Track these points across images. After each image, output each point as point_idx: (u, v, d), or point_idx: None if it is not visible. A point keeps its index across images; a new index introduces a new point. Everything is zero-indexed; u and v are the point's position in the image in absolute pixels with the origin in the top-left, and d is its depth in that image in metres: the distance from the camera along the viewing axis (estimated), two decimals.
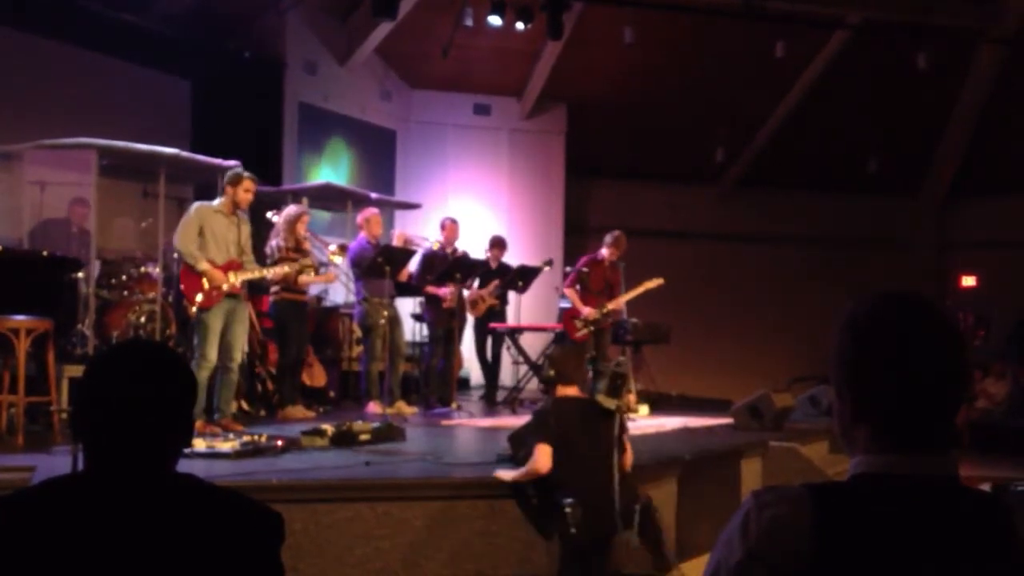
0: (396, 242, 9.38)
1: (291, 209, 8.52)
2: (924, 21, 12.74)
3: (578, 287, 9.70)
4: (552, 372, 5.20)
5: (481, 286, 10.20)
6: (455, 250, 9.79)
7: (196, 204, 7.24)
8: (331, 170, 12.49)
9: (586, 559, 4.82)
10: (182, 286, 7.10)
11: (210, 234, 7.10)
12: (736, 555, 1.42)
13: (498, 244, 10.58)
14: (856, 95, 14.09)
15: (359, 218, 9.28)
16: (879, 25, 13.01)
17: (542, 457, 4.91)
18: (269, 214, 8.87)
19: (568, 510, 4.69)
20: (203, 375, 6.91)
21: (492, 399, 10.58)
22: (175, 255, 9.07)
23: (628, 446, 5.17)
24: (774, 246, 15.93)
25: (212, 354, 6.98)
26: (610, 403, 5.02)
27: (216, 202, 7.26)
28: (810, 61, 13.79)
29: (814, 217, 15.95)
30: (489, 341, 10.56)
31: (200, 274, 7.00)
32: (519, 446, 5.45)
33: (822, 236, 15.98)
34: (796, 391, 10.48)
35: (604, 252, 9.70)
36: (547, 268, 10.48)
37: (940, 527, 1.39)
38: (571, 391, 5.15)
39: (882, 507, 1.40)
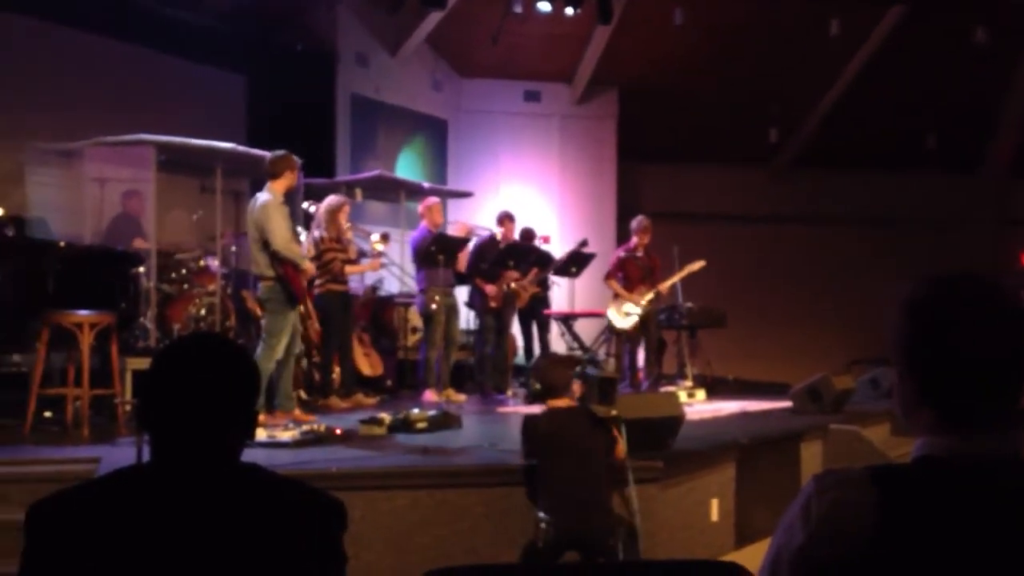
0: (458, 232, 9.40)
1: (332, 200, 8.38)
2: None
3: (620, 275, 9.71)
4: (538, 386, 5.03)
5: (522, 275, 10.00)
6: (497, 237, 9.78)
7: (270, 201, 6.90)
8: (407, 164, 12.63)
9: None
10: (292, 285, 6.92)
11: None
12: (797, 539, 1.41)
13: (527, 236, 10.43)
14: (913, 71, 13.82)
15: (421, 207, 9.31)
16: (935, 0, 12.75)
17: None
18: (305, 204, 8.89)
19: (543, 526, 4.54)
20: (271, 366, 6.84)
21: None
22: (232, 249, 9.23)
23: (620, 444, 5.03)
24: (830, 227, 15.72)
25: (283, 348, 6.93)
26: (605, 411, 4.96)
27: (276, 192, 6.99)
28: (865, 38, 13.56)
29: (871, 196, 15.69)
30: (535, 329, 10.51)
31: (303, 271, 7.02)
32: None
33: (879, 216, 15.73)
34: (856, 373, 10.35)
35: (635, 239, 9.72)
36: (585, 248, 10.34)
37: (1004, 507, 1.38)
38: (562, 402, 4.97)
39: (946, 489, 1.39)
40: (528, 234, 10.49)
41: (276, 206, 6.91)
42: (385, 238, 8.72)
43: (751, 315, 13.82)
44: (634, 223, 9.83)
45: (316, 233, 8.27)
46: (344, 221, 8.33)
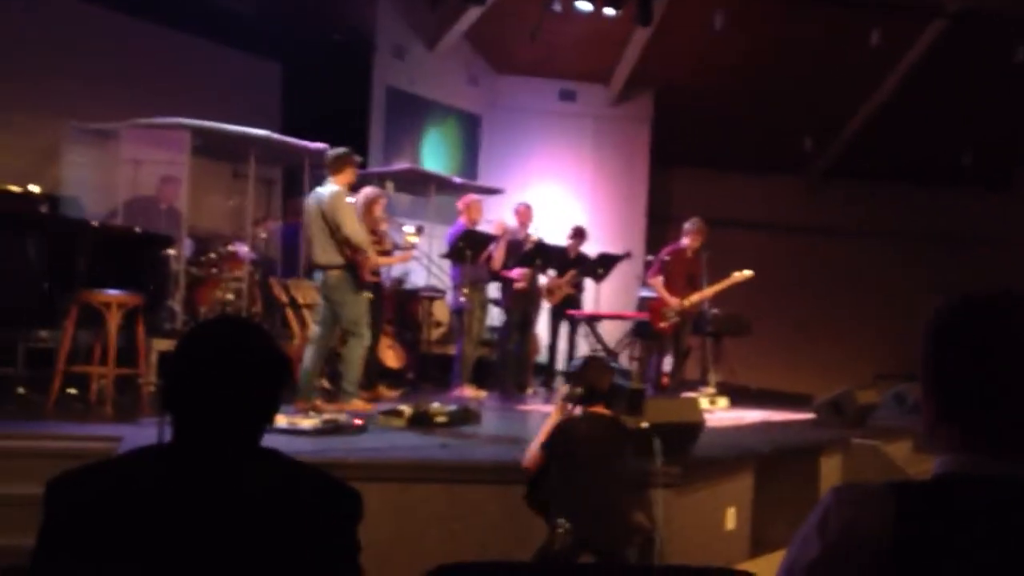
0: (495, 231, 9.42)
1: (368, 192, 8.47)
2: (1020, 12, 12.30)
3: (663, 274, 9.54)
4: (580, 391, 4.81)
5: (559, 274, 10.19)
6: (528, 235, 9.75)
7: (338, 191, 7.27)
8: (432, 157, 12.66)
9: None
10: (361, 271, 7.30)
11: None
12: (813, 552, 1.40)
13: (579, 234, 10.54)
14: (952, 86, 13.68)
15: (460, 204, 9.37)
16: (977, 15, 12.61)
17: (530, 456, 4.83)
18: (348, 198, 8.95)
19: (560, 531, 4.44)
20: (361, 353, 7.28)
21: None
22: (263, 235, 9.30)
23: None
24: (862, 239, 15.59)
25: (370, 334, 7.40)
26: (634, 423, 4.89)
27: (343, 186, 7.35)
28: (905, 51, 13.43)
29: (905, 210, 15.55)
30: (564, 329, 10.55)
31: (366, 258, 7.36)
32: None
33: (913, 230, 15.57)
34: (881, 388, 10.26)
35: (686, 241, 9.52)
36: (627, 257, 10.45)
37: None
38: (599, 409, 4.85)
39: (966, 507, 1.37)
40: (580, 232, 10.50)
41: (344, 195, 7.28)
42: (420, 231, 8.76)
43: (778, 324, 13.75)
44: (688, 224, 9.56)
45: None
46: (380, 213, 8.38)
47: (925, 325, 1.49)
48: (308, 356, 7.26)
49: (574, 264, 10.29)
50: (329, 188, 7.29)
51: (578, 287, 10.53)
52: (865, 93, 14.32)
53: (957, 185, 15.32)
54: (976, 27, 12.68)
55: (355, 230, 7.20)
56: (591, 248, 10.71)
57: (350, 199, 8.14)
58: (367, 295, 7.34)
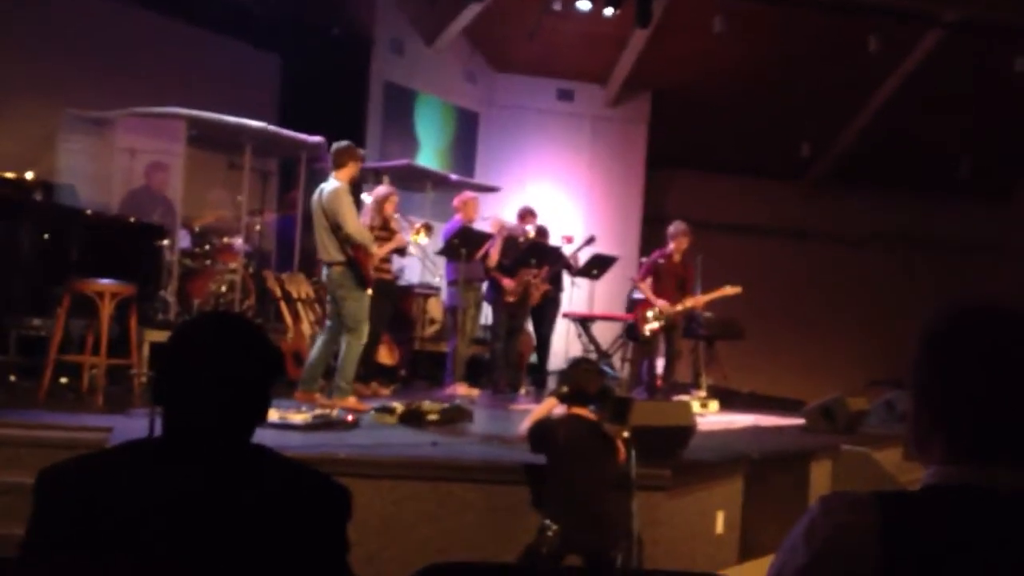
0: (492, 229, 9.40)
1: (380, 189, 8.55)
2: (1020, 22, 12.32)
3: (651, 279, 9.59)
4: (566, 389, 4.87)
5: (540, 267, 9.83)
6: (525, 233, 9.72)
7: (339, 187, 7.14)
8: (428, 152, 12.64)
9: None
10: (363, 269, 7.18)
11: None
12: (800, 560, 1.40)
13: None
14: (950, 94, 13.71)
15: (456, 201, 9.37)
16: (975, 24, 12.62)
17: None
18: (364, 195, 8.94)
19: (549, 533, 4.49)
20: (359, 351, 7.16)
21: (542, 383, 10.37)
22: (257, 228, 9.28)
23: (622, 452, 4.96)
24: (857, 245, 15.63)
25: (367, 331, 7.24)
26: (617, 431, 4.90)
27: (342, 180, 7.23)
28: (903, 57, 13.45)
29: (901, 217, 15.59)
30: (544, 328, 10.41)
31: (371, 255, 7.33)
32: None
33: (909, 237, 15.62)
34: (873, 394, 10.29)
35: (671, 245, 9.56)
36: (591, 244, 10.24)
37: (1015, 542, 1.36)
38: (583, 411, 4.87)
39: (954, 519, 1.37)
40: (542, 231, 10.31)
41: (345, 192, 7.18)
42: (428, 229, 8.68)
43: (772, 328, 13.78)
44: (671, 228, 9.61)
45: (363, 220, 8.32)
46: (391, 211, 8.37)
47: (918, 334, 1.49)
48: (316, 348, 7.27)
49: (543, 258, 10.05)
50: (330, 184, 7.21)
51: (555, 284, 10.28)
52: (862, 99, 14.34)
53: (955, 194, 15.34)
54: (974, 36, 12.69)
55: (357, 228, 7.15)
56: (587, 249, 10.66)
57: (367, 197, 8.15)
58: (369, 292, 7.27)
